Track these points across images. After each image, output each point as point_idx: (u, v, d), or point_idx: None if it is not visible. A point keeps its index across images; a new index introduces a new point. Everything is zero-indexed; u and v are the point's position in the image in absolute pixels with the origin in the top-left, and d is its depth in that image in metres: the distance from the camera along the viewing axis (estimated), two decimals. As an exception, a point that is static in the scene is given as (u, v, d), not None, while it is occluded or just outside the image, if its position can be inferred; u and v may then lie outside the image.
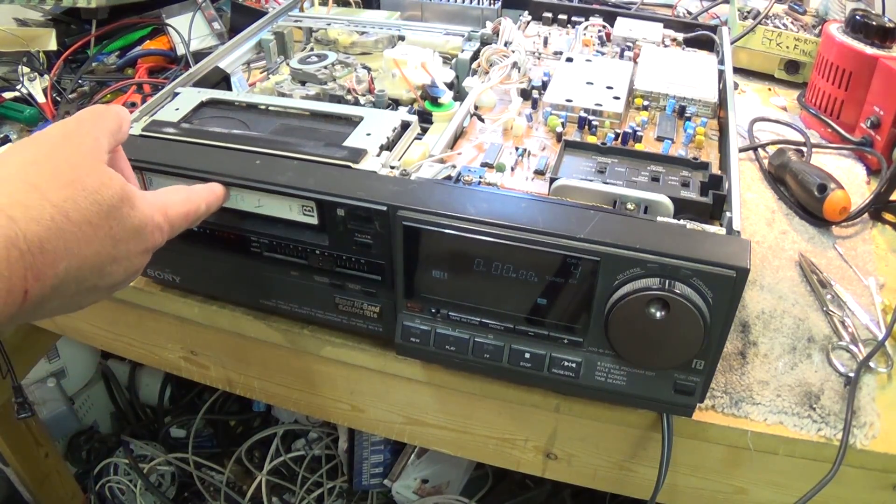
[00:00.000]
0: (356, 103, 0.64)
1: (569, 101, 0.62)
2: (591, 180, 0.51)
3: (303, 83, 0.67)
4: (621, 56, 0.74)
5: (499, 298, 0.48)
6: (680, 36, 0.79)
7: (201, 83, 0.65)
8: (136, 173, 0.52)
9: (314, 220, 0.50)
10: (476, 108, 0.64)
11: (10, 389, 0.87)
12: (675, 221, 0.46)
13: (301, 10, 0.83)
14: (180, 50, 0.96)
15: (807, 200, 0.72)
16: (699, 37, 0.77)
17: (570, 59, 0.69)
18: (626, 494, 0.61)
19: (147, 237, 0.39)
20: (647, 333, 0.45)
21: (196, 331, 0.67)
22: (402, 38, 0.76)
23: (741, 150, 0.81)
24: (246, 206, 0.51)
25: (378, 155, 0.53)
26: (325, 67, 0.67)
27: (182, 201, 0.44)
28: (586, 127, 0.61)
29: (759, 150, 0.82)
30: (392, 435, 0.67)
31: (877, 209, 0.73)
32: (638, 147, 0.57)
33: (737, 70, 0.94)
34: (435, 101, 0.64)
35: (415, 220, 0.47)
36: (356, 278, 0.52)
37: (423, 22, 0.81)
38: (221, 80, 0.69)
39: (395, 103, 0.66)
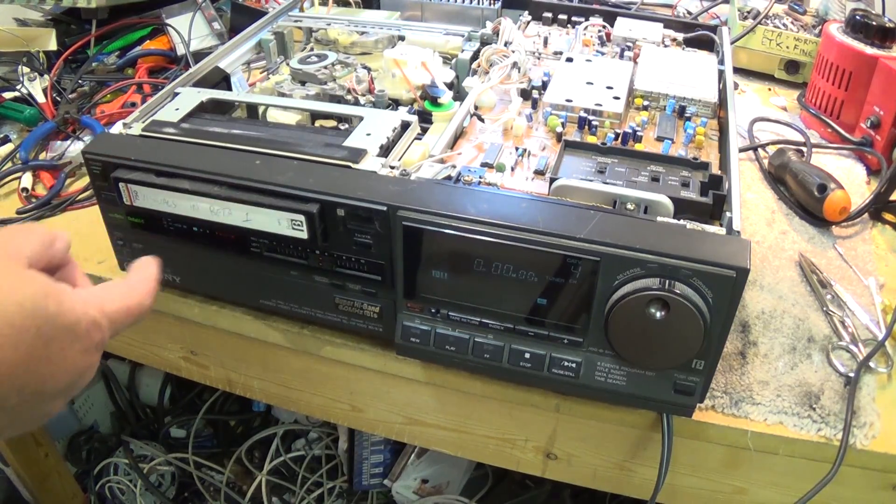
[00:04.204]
0: (356, 103, 0.64)
1: (569, 101, 0.62)
2: (591, 180, 0.51)
3: (303, 83, 0.67)
4: (621, 56, 0.74)
5: (499, 298, 0.48)
6: (680, 36, 0.79)
7: (201, 83, 0.65)
8: (134, 175, 0.52)
9: (303, 235, 0.50)
10: (476, 108, 0.64)
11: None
12: (675, 221, 0.46)
13: (301, 10, 0.83)
14: (180, 50, 0.96)
15: (807, 200, 0.72)
16: (699, 37, 0.77)
17: (570, 59, 0.69)
18: (626, 494, 0.61)
19: (82, 335, 0.36)
20: (647, 333, 0.45)
21: (196, 331, 0.67)
22: (402, 38, 0.76)
23: (741, 150, 0.81)
24: (234, 221, 0.51)
25: (378, 155, 0.53)
26: (325, 67, 0.68)
27: (121, 296, 0.41)
28: (586, 127, 0.61)
29: (759, 150, 0.82)
30: (392, 435, 0.67)
31: (877, 209, 0.73)
32: (638, 147, 0.57)
33: (737, 70, 0.95)
34: (435, 101, 0.64)
35: (415, 220, 0.47)
36: (356, 278, 0.52)
37: (423, 22, 0.81)
38: (221, 80, 0.69)
39: (395, 103, 0.66)
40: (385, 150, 0.54)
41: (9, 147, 0.82)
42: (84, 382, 0.37)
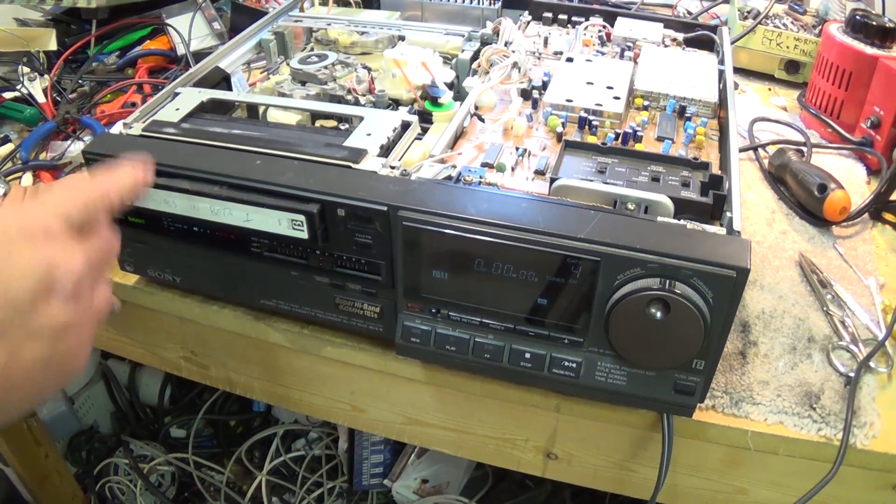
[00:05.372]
0: (356, 103, 0.64)
1: (569, 101, 0.62)
2: (591, 180, 0.51)
3: (303, 83, 0.67)
4: (621, 56, 0.74)
5: (499, 298, 0.48)
6: (680, 36, 0.79)
7: (201, 83, 0.65)
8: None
9: (304, 235, 0.50)
10: (476, 108, 0.64)
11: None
12: (676, 221, 0.46)
13: (301, 10, 0.83)
14: (180, 50, 0.96)
15: (807, 200, 0.72)
16: (699, 37, 0.77)
17: (570, 59, 0.69)
18: (626, 494, 0.61)
19: (14, 232, 0.35)
20: (647, 333, 0.45)
21: (196, 331, 0.67)
22: (402, 38, 0.76)
23: (741, 150, 0.81)
24: (234, 221, 0.51)
25: (378, 155, 0.53)
26: (326, 67, 0.68)
27: (72, 185, 0.39)
28: (586, 127, 0.61)
29: (760, 150, 0.82)
30: (392, 435, 0.67)
31: (877, 209, 0.73)
32: (638, 147, 0.57)
33: (737, 70, 0.94)
34: (435, 101, 0.64)
35: (415, 221, 0.47)
36: (356, 278, 0.52)
37: (423, 22, 0.81)
38: (222, 80, 0.69)
39: (395, 103, 0.66)
40: (385, 151, 0.54)
41: (9, 147, 0.82)
42: (60, 271, 0.35)
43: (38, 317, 0.35)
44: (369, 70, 0.69)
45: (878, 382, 0.55)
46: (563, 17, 0.82)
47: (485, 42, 0.72)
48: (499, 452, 0.63)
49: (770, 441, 0.52)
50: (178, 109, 0.59)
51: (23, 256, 0.34)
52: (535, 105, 0.64)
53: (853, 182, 0.77)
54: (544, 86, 0.66)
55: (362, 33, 0.77)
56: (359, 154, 0.52)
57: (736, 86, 0.90)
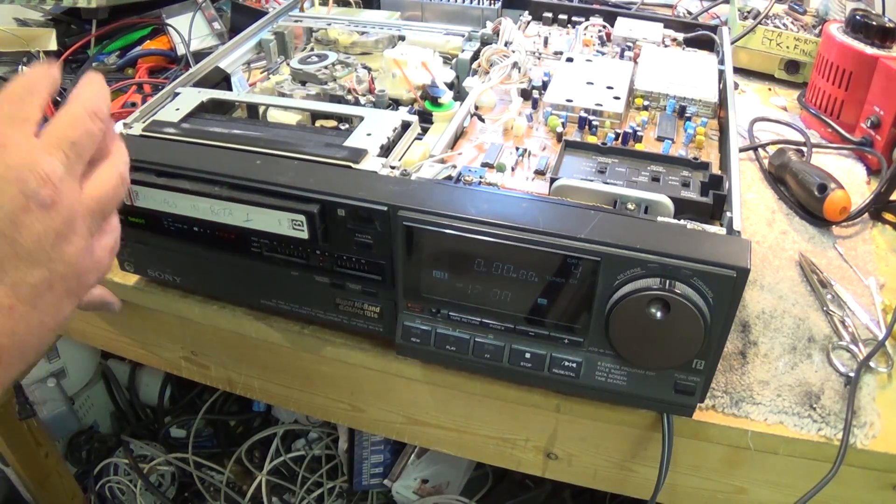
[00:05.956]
0: (356, 103, 0.64)
1: (569, 101, 0.62)
2: (591, 180, 0.51)
3: (303, 83, 0.67)
4: (621, 56, 0.74)
5: (499, 298, 0.48)
6: (680, 36, 0.79)
7: (201, 83, 0.65)
8: (134, 175, 0.52)
9: (304, 235, 0.50)
10: (476, 108, 0.64)
11: (11, 389, 0.87)
12: (676, 221, 0.46)
13: (301, 10, 0.83)
14: (180, 50, 0.96)
15: (807, 200, 0.72)
16: (699, 37, 0.77)
17: (570, 59, 0.69)
18: (627, 494, 0.61)
19: (12, 175, 0.32)
20: (647, 333, 0.45)
21: (196, 331, 0.67)
22: (402, 38, 0.76)
23: (741, 150, 0.81)
24: (234, 221, 0.51)
25: (378, 155, 0.53)
26: (326, 67, 0.67)
27: (62, 115, 0.35)
28: (586, 127, 0.61)
29: (760, 150, 0.82)
30: (392, 435, 0.67)
31: (877, 209, 0.73)
32: (638, 147, 0.57)
33: (737, 70, 0.94)
34: (435, 101, 0.64)
35: (415, 221, 0.47)
36: (356, 278, 0.52)
37: (423, 22, 0.81)
38: (222, 80, 0.69)
39: (395, 103, 0.66)
40: (385, 150, 0.54)
41: (9, 147, 0.82)
42: (32, 177, 0.32)
43: (22, 235, 0.32)
44: (369, 70, 0.69)
45: (878, 382, 0.55)
46: (563, 17, 0.82)
47: (485, 42, 0.72)
48: (499, 452, 0.63)
49: (770, 441, 0.52)
50: (178, 109, 0.59)
51: None
52: (535, 105, 0.64)
53: (853, 182, 0.77)
54: (544, 86, 0.66)
55: (362, 33, 0.77)
56: (359, 154, 0.52)
57: (736, 86, 0.90)
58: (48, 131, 0.35)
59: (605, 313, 0.45)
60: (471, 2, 0.80)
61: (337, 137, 0.55)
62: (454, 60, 0.70)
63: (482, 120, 0.62)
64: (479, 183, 0.51)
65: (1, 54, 0.93)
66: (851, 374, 0.55)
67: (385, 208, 0.47)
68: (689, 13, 1.11)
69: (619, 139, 0.59)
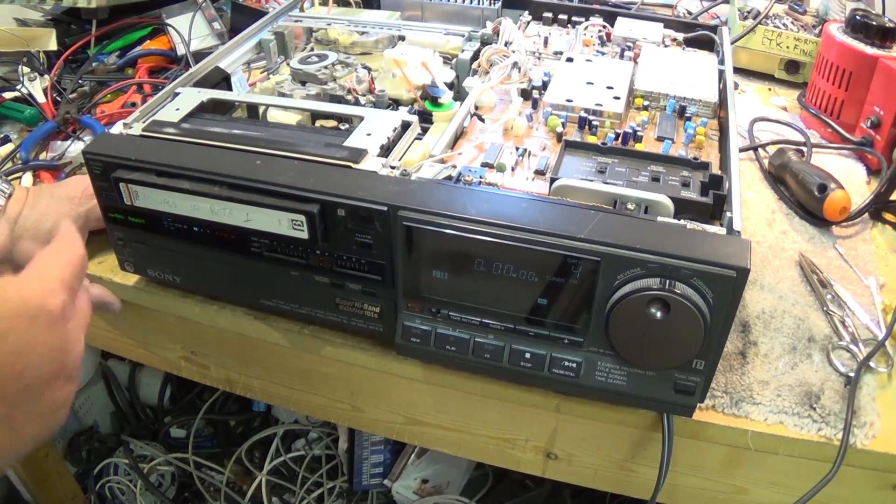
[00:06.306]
0: (356, 103, 0.64)
1: (569, 101, 0.62)
2: (591, 180, 0.51)
3: (303, 83, 0.67)
4: (621, 56, 0.74)
5: (499, 298, 0.48)
6: (680, 36, 0.79)
7: (201, 83, 0.65)
8: (134, 175, 0.52)
9: (304, 235, 0.50)
10: (476, 108, 0.64)
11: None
12: (676, 221, 0.46)
13: (301, 10, 0.83)
14: (180, 50, 0.96)
15: (807, 200, 0.72)
16: (699, 37, 0.77)
17: (570, 59, 0.69)
18: (626, 494, 0.61)
19: (36, 312, 0.35)
20: (647, 333, 0.45)
21: (196, 331, 0.67)
22: (402, 38, 0.76)
23: (741, 150, 0.81)
24: (234, 221, 0.51)
25: (378, 155, 0.53)
26: (326, 67, 0.67)
27: (57, 256, 0.39)
28: (586, 127, 0.61)
29: (760, 150, 0.82)
30: (392, 435, 0.67)
31: (877, 209, 0.73)
32: (638, 147, 0.57)
33: (737, 70, 0.95)
34: (435, 101, 0.64)
35: (415, 221, 0.47)
36: (356, 278, 0.52)
37: (423, 22, 0.81)
38: (222, 80, 0.69)
39: (395, 103, 0.66)
40: (385, 150, 0.54)
41: (9, 147, 0.82)
42: (72, 355, 0.36)
43: (45, 399, 0.35)
44: (369, 70, 0.69)
45: (878, 382, 0.55)
46: (563, 17, 0.82)
47: (485, 42, 0.72)
48: (499, 452, 0.63)
49: (770, 441, 0.52)
50: (178, 109, 0.59)
51: (43, 341, 0.34)
52: (535, 105, 0.64)
53: (853, 182, 0.77)
54: (544, 86, 0.66)
55: (362, 33, 0.77)
56: (359, 154, 0.52)
57: (736, 86, 0.90)
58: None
59: (605, 313, 0.45)
60: (471, 2, 0.80)
61: (337, 137, 0.55)
62: (454, 60, 0.70)
63: (482, 120, 0.62)
64: (479, 183, 0.51)
65: (1, 54, 0.93)
66: (851, 374, 0.55)
67: (385, 208, 0.47)
68: (689, 13, 1.11)
69: (619, 139, 0.59)
